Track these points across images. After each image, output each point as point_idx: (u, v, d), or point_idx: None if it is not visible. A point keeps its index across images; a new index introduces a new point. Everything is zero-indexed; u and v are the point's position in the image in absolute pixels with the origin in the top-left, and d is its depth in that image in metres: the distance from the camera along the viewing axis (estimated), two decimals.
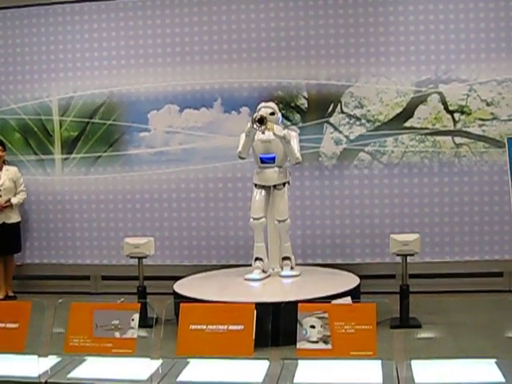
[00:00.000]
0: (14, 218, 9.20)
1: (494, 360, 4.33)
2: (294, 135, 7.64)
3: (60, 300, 4.66)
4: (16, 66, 9.74)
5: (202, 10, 9.29)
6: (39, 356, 4.39)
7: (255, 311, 4.30)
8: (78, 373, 4.41)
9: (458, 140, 8.87)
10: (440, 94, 8.86)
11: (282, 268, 7.84)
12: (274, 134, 7.37)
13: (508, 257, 8.74)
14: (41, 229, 9.79)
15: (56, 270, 9.67)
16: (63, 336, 4.51)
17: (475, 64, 8.78)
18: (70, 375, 4.37)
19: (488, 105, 8.79)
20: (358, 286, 7.34)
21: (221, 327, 4.27)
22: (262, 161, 7.70)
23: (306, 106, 9.11)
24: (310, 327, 4.19)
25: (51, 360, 4.55)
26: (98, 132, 9.55)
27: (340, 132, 9.05)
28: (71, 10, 9.52)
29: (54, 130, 9.65)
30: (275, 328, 4.69)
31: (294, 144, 7.57)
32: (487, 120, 8.79)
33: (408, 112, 8.94)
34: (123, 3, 9.43)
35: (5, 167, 9.25)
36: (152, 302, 6.29)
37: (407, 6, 8.90)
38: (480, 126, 8.81)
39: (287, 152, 7.58)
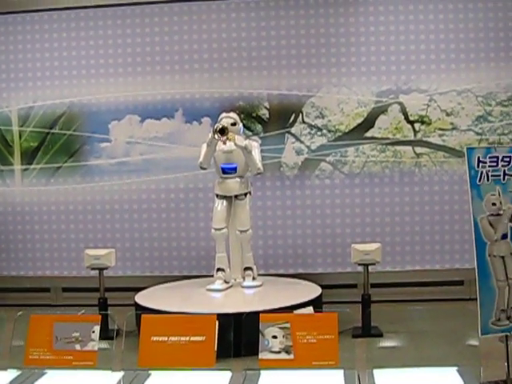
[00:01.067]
0: None
1: (455, 368, 4.36)
2: (255, 145, 7.65)
3: (20, 312, 4.61)
4: None
5: (163, 20, 9.26)
6: None
7: (217, 322, 4.28)
8: None
9: (419, 150, 8.95)
10: (400, 104, 8.93)
11: (243, 278, 7.82)
12: (236, 144, 7.37)
13: (468, 265, 8.73)
14: (0, 240, 9.66)
15: (16, 283, 9.53)
16: (23, 349, 4.45)
17: (435, 74, 8.88)
18: None
19: (448, 115, 8.88)
20: (320, 295, 7.35)
21: (182, 338, 4.25)
22: (224, 171, 7.69)
23: (268, 116, 9.12)
24: (272, 337, 4.18)
25: (10, 374, 4.49)
26: (58, 142, 9.45)
27: (301, 142, 9.07)
28: (31, 19, 9.43)
29: (14, 141, 9.53)
30: (237, 339, 4.68)
31: (256, 154, 7.57)
32: (447, 130, 8.88)
33: (369, 122, 8.99)
34: (84, 13, 9.36)
35: None
36: (113, 314, 6.26)
37: (368, 16, 8.97)
38: (440, 135, 8.89)
39: (248, 162, 7.57)
